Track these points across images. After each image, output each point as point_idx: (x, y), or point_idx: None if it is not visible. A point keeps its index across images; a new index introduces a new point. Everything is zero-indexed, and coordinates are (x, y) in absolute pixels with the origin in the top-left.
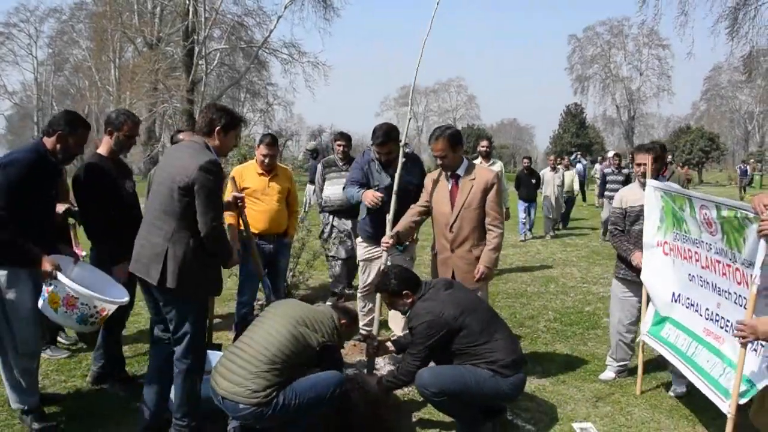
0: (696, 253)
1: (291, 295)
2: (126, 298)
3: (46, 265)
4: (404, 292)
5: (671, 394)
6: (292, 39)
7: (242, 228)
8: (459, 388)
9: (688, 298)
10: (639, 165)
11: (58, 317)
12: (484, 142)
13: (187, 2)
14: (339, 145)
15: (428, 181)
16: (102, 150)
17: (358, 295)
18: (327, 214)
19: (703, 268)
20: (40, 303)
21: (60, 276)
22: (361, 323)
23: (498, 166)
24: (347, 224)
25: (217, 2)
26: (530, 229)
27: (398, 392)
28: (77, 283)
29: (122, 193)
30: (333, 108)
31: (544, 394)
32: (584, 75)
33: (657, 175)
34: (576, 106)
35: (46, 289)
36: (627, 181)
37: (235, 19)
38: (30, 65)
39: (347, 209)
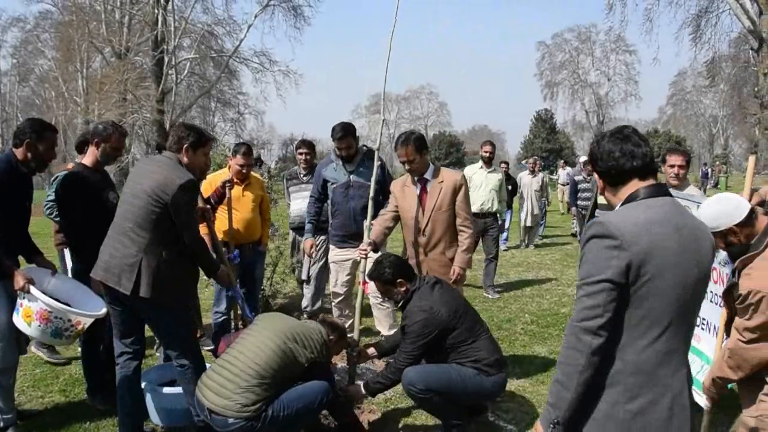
0: None
1: (268, 305)
2: (103, 310)
3: (19, 280)
4: (398, 280)
5: None
6: (262, 48)
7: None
8: (445, 386)
9: None
10: (672, 167)
11: (32, 331)
12: (487, 147)
13: (156, 11)
14: (301, 154)
15: (395, 187)
16: (87, 161)
17: (333, 303)
18: (291, 232)
19: None
20: (15, 317)
21: (33, 290)
22: None
23: (498, 174)
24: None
25: (186, 11)
26: (506, 239)
27: (381, 397)
28: (55, 295)
29: (106, 204)
30: (304, 117)
31: (524, 395)
32: (553, 81)
33: None
34: (546, 111)
35: (20, 303)
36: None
37: (205, 28)
38: None
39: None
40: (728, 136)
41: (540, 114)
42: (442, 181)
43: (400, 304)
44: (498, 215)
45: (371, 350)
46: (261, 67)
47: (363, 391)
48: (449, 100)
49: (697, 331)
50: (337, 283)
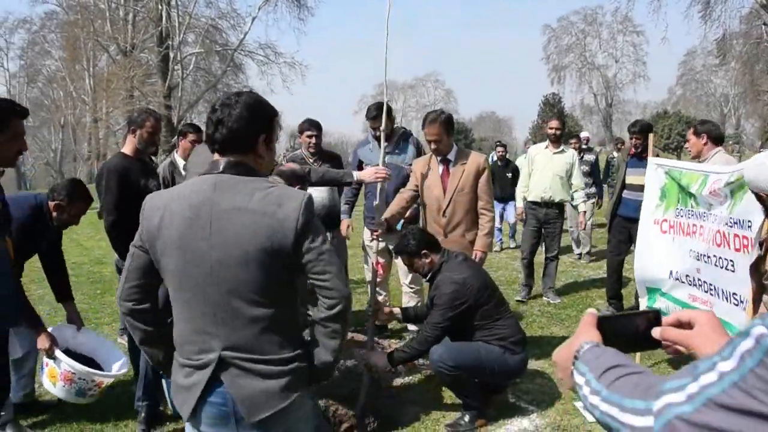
0: (701, 227)
1: None
2: (124, 370)
3: (44, 341)
4: (423, 251)
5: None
6: (267, 40)
7: None
8: (473, 363)
9: (687, 275)
10: (688, 140)
11: (57, 391)
12: (554, 123)
13: (160, 7)
14: (309, 137)
15: (417, 166)
16: (126, 150)
17: (369, 287)
18: None
19: (706, 242)
20: (41, 376)
21: (58, 353)
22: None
23: (568, 156)
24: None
25: (190, 6)
26: (512, 236)
27: (400, 381)
28: (79, 350)
29: (146, 191)
30: (311, 108)
31: (543, 376)
32: (560, 64)
33: (640, 157)
34: (554, 95)
35: (45, 362)
36: (591, 171)
37: (209, 22)
38: (2, 77)
39: (325, 218)
40: (740, 116)
41: (548, 98)
42: (465, 163)
43: (428, 277)
44: (564, 207)
45: (396, 309)
46: (266, 59)
47: (385, 361)
48: (455, 88)
49: (706, 297)
50: (370, 267)
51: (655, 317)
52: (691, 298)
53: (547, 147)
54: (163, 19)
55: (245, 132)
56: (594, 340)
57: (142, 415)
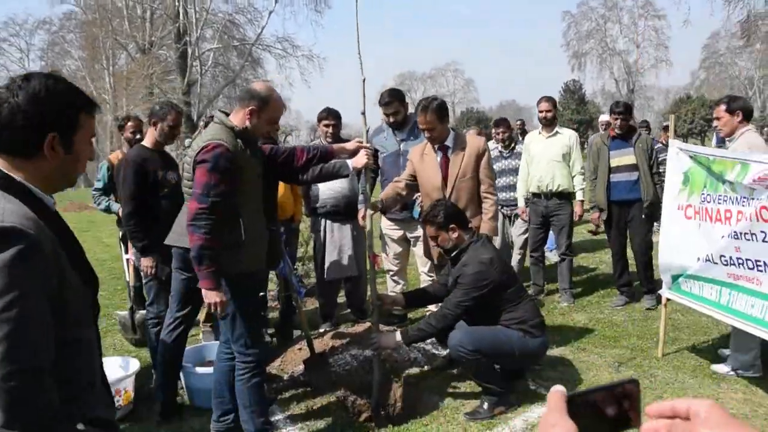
0: (739, 212)
1: (302, 284)
2: (135, 369)
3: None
4: (451, 225)
5: (716, 369)
6: (285, 34)
7: None
8: (492, 347)
9: (722, 256)
10: (717, 119)
11: None
12: (543, 104)
13: (177, 4)
14: (326, 126)
15: (413, 155)
16: (146, 142)
17: (388, 276)
18: (320, 219)
19: (747, 220)
20: None
21: None
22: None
23: (564, 137)
24: (346, 232)
25: (207, 2)
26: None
27: (418, 369)
28: None
29: (165, 183)
30: (330, 101)
31: (564, 363)
32: (581, 51)
33: (623, 137)
34: (574, 82)
35: None
36: None
37: (226, 17)
38: None
39: (344, 209)
40: (765, 99)
41: (568, 85)
42: (464, 148)
43: (452, 254)
44: (571, 196)
45: (398, 298)
46: (284, 53)
47: (399, 338)
48: (475, 77)
49: (752, 274)
50: (389, 256)
51: (630, 394)
52: (732, 276)
53: (540, 132)
54: (181, 15)
55: (21, 130)
56: None
57: (159, 406)
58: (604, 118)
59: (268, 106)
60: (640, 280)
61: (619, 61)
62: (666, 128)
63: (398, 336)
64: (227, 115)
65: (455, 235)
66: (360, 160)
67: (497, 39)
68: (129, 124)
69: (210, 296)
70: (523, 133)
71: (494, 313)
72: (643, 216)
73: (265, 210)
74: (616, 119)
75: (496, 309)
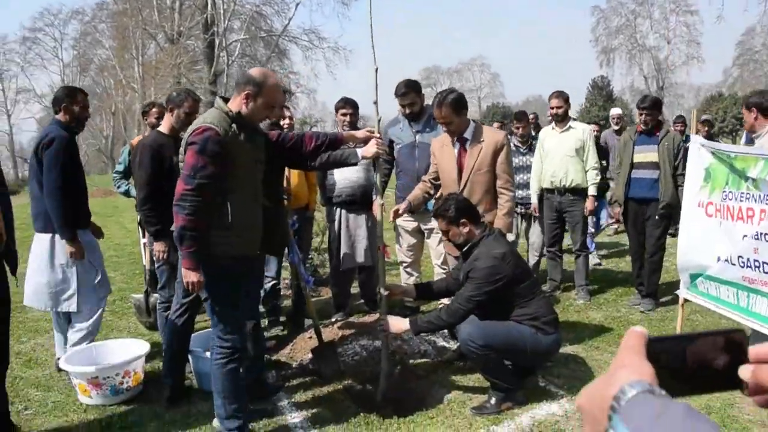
0: (762, 211)
1: (316, 273)
2: (145, 350)
3: (76, 250)
4: (462, 220)
5: None
6: (311, 25)
7: None
8: (503, 343)
9: (740, 257)
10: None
11: (96, 401)
12: (554, 101)
13: None
14: (344, 115)
15: (434, 146)
16: (163, 128)
17: (401, 267)
18: (335, 209)
19: (761, 221)
20: (84, 399)
21: (65, 366)
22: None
23: (579, 132)
24: (361, 222)
25: None
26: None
27: (427, 362)
28: (107, 361)
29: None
30: (355, 93)
31: (577, 360)
32: (609, 46)
33: (650, 133)
34: (602, 78)
35: (75, 383)
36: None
37: (254, 8)
38: (57, 68)
39: (360, 199)
40: None
41: (596, 81)
42: (482, 141)
43: (463, 248)
44: (585, 192)
45: (409, 289)
46: (310, 44)
47: (407, 326)
48: (502, 71)
49: (757, 275)
50: (403, 247)
51: (738, 343)
52: (747, 280)
53: (553, 128)
54: (209, 6)
55: None
56: (645, 380)
57: (167, 390)
58: (615, 111)
59: (263, 92)
60: (643, 281)
61: (649, 58)
62: (704, 122)
63: (407, 324)
64: (227, 101)
65: (466, 229)
66: (370, 149)
67: (524, 33)
68: (153, 110)
69: (188, 275)
70: (536, 127)
71: (506, 308)
72: (657, 216)
73: (268, 196)
74: (641, 114)
75: (509, 304)
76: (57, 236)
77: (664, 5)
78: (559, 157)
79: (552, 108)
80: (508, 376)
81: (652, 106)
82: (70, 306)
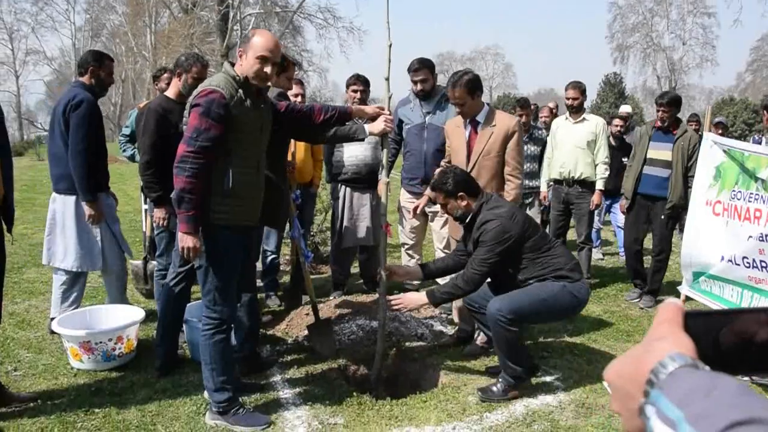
0: None
1: (317, 251)
2: (140, 317)
3: (96, 212)
4: (460, 193)
5: None
6: (327, 4)
7: None
8: (535, 307)
9: (745, 257)
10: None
11: (87, 365)
12: (570, 92)
13: None
14: (354, 91)
15: (448, 127)
16: (170, 93)
17: (403, 249)
18: (340, 186)
19: None
20: (75, 363)
21: (57, 329)
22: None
23: (591, 125)
24: (365, 201)
25: None
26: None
27: (423, 345)
28: (101, 327)
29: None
30: (367, 74)
31: (575, 353)
32: (624, 44)
33: (666, 131)
34: (615, 75)
35: (67, 347)
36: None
37: None
38: (68, 31)
39: (366, 176)
40: None
41: (609, 78)
42: (494, 125)
43: (465, 221)
44: (594, 185)
45: (413, 269)
46: (325, 23)
47: (425, 299)
48: (515, 62)
49: (764, 275)
50: (405, 229)
51: None
52: (753, 280)
53: (567, 118)
54: None
55: None
56: (686, 354)
57: (159, 359)
58: (625, 109)
59: (250, 44)
60: (646, 279)
61: (663, 58)
62: (717, 125)
63: (424, 296)
64: (233, 66)
65: (464, 203)
66: (378, 125)
67: (540, 25)
68: (164, 75)
69: (185, 240)
70: (554, 117)
71: (525, 266)
72: (663, 216)
73: (273, 167)
74: (659, 110)
75: (526, 261)
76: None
77: (681, 6)
78: (570, 149)
79: (568, 99)
80: (525, 365)
81: (671, 102)
82: (95, 265)
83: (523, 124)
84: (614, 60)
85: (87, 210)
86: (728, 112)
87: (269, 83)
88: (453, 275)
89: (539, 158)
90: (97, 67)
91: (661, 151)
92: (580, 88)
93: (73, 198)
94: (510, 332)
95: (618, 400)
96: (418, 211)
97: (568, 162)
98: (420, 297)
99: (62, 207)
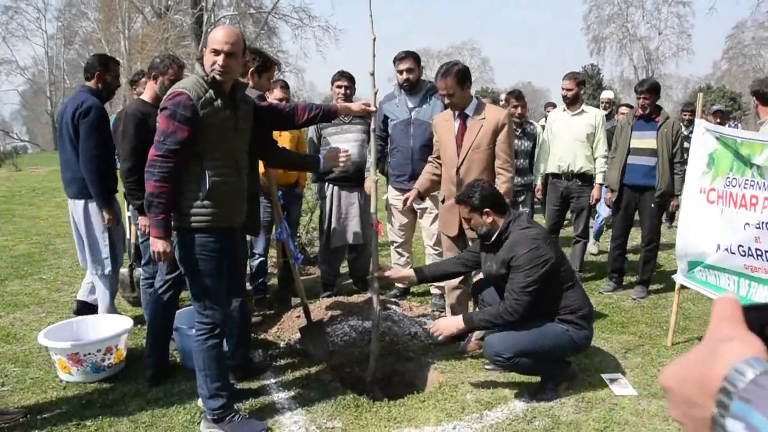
0: (766, 199)
1: (304, 252)
2: (128, 326)
3: (110, 217)
4: (486, 210)
5: None
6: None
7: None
8: (533, 348)
9: (740, 246)
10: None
11: (76, 378)
12: (566, 82)
13: None
14: (339, 87)
15: (436, 122)
16: (145, 96)
17: (392, 247)
18: (327, 185)
19: (765, 209)
20: (64, 376)
21: (44, 341)
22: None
23: (590, 117)
24: (353, 199)
25: None
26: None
27: (418, 344)
28: (89, 338)
29: None
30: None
31: None
32: (601, 35)
33: (648, 119)
34: (592, 67)
35: (55, 359)
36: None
37: None
38: (40, 39)
39: (353, 175)
40: None
41: (586, 69)
42: (483, 118)
43: (489, 239)
44: (592, 178)
45: (406, 272)
46: (300, 22)
47: (462, 324)
48: (492, 57)
49: (760, 264)
50: (394, 227)
51: None
52: (749, 268)
53: (564, 110)
54: None
55: None
56: (761, 358)
57: (150, 369)
58: (607, 95)
59: (207, 42)
60: (637, 270)
61: (640, 48)
62: (716, 113)
63: (461, 321)
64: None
65: (489, 219)
66: (330, 157)
67: (516, 18)
68: (143, 80)
69: (156, 244)
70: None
71: (551, 298)
72: (653, 205)
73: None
74: (639, 98)
75: (554, 291)
76: (90, 202)
77: None
78: (569, 142)
79: (563, 89)
80: (550, 366)
81: (651, 90)
82: (106, 269)
83: (519, 116)
84: (591, 51)
85: (105, 216)
86: (706, 100)
87: (247, 81)
88: (491, 308)
89: (531, 154)
90: (103, 72)
91: (645, 140)
92: (576, 79)
93: (82, 202)
94: (514, 366)
95: (678, 407)
96: (407, 204)
97: (567, 155)
98: (456, 323)
99: (73, 210)
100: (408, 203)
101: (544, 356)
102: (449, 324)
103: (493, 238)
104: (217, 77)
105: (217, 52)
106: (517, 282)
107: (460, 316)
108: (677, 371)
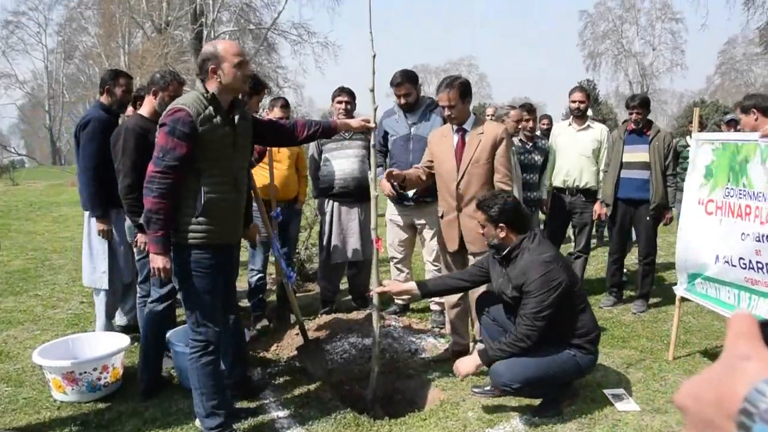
0: (757, 208)
1: (303, 269)
2: (124, 345)
3: (105, 228)
4: (501, 224)
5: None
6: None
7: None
8: (540, 375)
9: (741, 258)
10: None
11: (71, 397)
12: (576, 95)
13: None
14: (340, 103)
15: (432, 137)
16: (144, 111)
17: (391, 263)
18: (328, 201)
19: (762, 224)
20: (58, 396)
21: (38, 360)
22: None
23: (596, 132)
24: (353, 215)
25: None
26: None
27: (418, 361)
28: (75, 353)
29: None
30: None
31: None
32: (596, 51)
33: (640, 132)
34: (588, 82)
35: (49, 379)
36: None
37: (243, 1)
38: (40, 54)
39: (354, 191)
40: None
41: (582, 85)
42: (482, 133)
43: (501, 253)
44: (596, 194)
45: (408, 285)
46: (299, 39)
47: (479, 360)
48: (489, 72)
49: (760, 276)
50: (394, 242)
51: None
52: (750, 281)
53: (570, 124)
54: None
55: None
56: None
57: (143, 383)
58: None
59: (218, 55)
60: (635, 283)
61: (634, 63)
62: (730, 123)
63: (477, 358)
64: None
65: (502, 234)
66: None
67: (513, 35)
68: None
69: (155, 260)
70: (547, 131)
71: (564, 320)
72: (648, 218)
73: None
74: (631, 113)
75: (567, 313)
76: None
77: (650, 12)
78: (575, 157)
79: (574, 102)
80: (555, 390)
81: (642, 104)
82: (103, 283)
83: (530, 129)
84: (587, 67)
85: (97, 225)
86: (699, 114)
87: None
88: (504, 339)
89: (543, 168)
90: (113, 85)
91: (637, 153)
92: (586, 91)
93: (87, 213)
94: (519, 393)
95: (695, 427)
96: (394, 173)
97: (573, 170)
98: (474, 362)
99: (84, 221)
100: (395, 173)
101: (550, 382)
102: (467, 364)
103: (504, 253)
104: (242, 89)
105: (243, 63)
106: (530, 308)
107: (476, 354)
108: (693, 390)
